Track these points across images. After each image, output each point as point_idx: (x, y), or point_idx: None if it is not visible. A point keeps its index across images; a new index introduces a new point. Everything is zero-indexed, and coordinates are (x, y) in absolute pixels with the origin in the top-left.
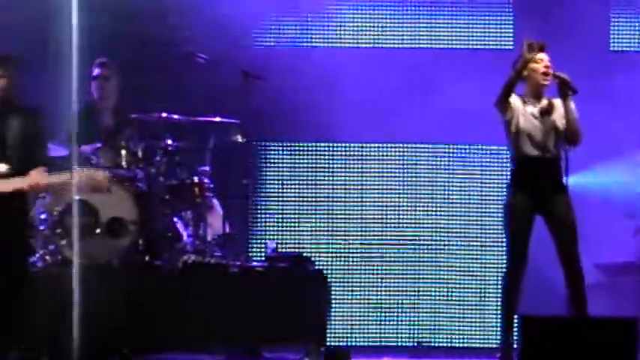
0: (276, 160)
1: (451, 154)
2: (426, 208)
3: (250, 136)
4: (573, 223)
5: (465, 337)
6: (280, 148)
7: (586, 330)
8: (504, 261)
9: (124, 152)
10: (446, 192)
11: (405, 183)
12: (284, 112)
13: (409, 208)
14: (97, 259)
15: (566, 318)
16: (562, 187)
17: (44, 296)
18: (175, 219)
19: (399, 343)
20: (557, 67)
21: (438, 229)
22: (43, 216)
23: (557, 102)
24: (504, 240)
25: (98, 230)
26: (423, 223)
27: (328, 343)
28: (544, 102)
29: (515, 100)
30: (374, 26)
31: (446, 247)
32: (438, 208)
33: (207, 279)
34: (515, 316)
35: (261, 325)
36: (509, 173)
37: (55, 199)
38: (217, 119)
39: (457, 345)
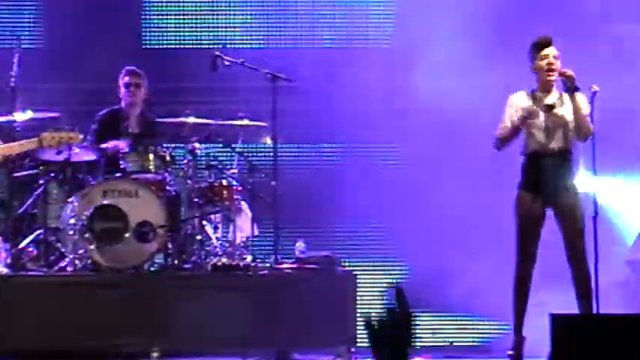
0: (302, 162)
1: None
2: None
3: (277, 139)
4: (580, 219)
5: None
6: (306, 150)
7: (618, 327)
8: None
9: (151, 156)
10: None
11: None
12: (310, 114)
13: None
14: (126, 264)
15: (596, 315)
16: (571, 182)
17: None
18: (204, 222)
19: (432, 343)
20: None
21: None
22: (72, 220)
23: (576, 97)
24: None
25: (127, 234)
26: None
27: (357, 345)
28: (554, 96)
29: (519, 96)
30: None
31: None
32: None
33: (237, 281)
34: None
35: (291, 327)
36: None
37: (83, 204)
38: (245, 122)
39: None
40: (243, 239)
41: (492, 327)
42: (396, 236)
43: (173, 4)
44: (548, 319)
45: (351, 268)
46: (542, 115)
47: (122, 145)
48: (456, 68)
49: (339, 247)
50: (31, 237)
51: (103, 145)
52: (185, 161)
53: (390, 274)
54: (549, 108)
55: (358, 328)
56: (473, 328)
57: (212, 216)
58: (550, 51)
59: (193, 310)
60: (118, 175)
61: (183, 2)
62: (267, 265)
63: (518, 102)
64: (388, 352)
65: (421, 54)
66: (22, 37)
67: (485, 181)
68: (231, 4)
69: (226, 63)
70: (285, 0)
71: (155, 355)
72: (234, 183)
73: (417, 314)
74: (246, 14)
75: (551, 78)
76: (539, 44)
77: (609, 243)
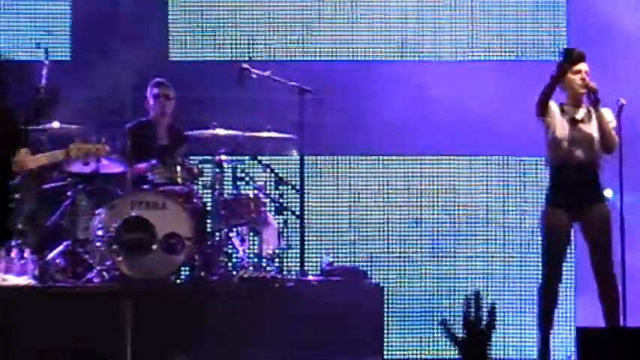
0: (329, 174)
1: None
2: (480, 219)
3: (304, 150)
4: (608, 233)
5: (514, 348)
6: (334, 162)
7: None
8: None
9: (179, 168)
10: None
11: (460, 195)
12: (337, 126)
13: (465, 221)
14: (154, 275)
15: (623, 329)
16: (599, 195)
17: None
18: (231, 234)
19: (454, 355)
20: None
21: (493, 239)
22: (99, 232)
23: (601, 110)
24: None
25: (154, 246)
26: (478, 234)
27: (385, 357)
28: (582, 111)
29: (554, 107)
30: (415, 40)
31: (500, 259)
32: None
33: (264, 293)
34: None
35: (318, 339)
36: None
37: (111, 216)
38: (272, 134)
39: (510, 357)
40: (270, 251)
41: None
42: (424, 249)
43: (199, 16)
44: (575, 331)
45: (378, 281)
46: (568, 128)
47: (145, 167)
48: (481, 78)
49: (366, 259)
50: (58, 248)
51: (137, 166)
52: (212, 173)
53: (418, 287)
54: (575, 122)
55: (385, 340)
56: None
57: (239, 228)
58: (583, 66)
59: (220, 321)
60: (146, 187)
61: (210, 15)
62: (294, 277)
63: (555, 108)
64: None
65: (443, 66)
66: (50, 50)
67: (514, 193)
68: (258, 17)
69: (253, 76)
70: (312, 13)
71: None
72: (261, 195)
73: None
74: (273, 27)
75: (583, 92)
76: (572, 58)
77: (637, 254)
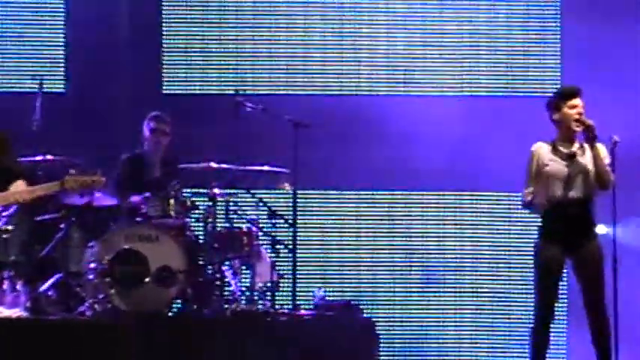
0: (321, 208)
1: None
2: (469, 255)
3: (297, 184)
4: (600, 270)
5: None
6: (327, 196)
7: None
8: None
9: (172, 202)
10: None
11: (449, 230)
12: (330, 161)
13: (453, 256)
14: (146, 308)
15: None
16: (592, 231)
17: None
18: (224, 267)
19: None
20: None
21: (481, 275)
22: (92, 265)
23: (597, 146)
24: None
25: (147, 279)
26: (465, 270)
27: None
28: (575, 146)
29: (540, 148)
30: (409, 75)
31: (489, 293)
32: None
33: (256, 327)
34: None
35: None
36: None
37: (104, 248)
38: (265, 168)
39: None
40: (262, 285)
41: None
42: (417, 285)
43: (193, 49)
44: None
45: (371, 316)
46: (563, 164)
47: (138, 199)
48: (473, 113)
49: (359, 294)
50: (50, 281)
51: (132, 199)
52: (205, 207)
53: (411, 323)
54: (571, 157)
55: None
56: None
57: (231, 261)
58: (579, 101)
59: (212, 355)
60: (139, 219)
61: (203, 48)
62: (286, 311)
63: (541, 153)
64: None
65: (438, 101)
66: (44, 82)
67: (505, 227)
68: (255, 51)
69: (247, 109)
70: (312, 48)
71: None
72: (254, 229)
73: None
74: (269, 60)
75: (578, 129)
76: (568, 94)
77: (630, 290)
